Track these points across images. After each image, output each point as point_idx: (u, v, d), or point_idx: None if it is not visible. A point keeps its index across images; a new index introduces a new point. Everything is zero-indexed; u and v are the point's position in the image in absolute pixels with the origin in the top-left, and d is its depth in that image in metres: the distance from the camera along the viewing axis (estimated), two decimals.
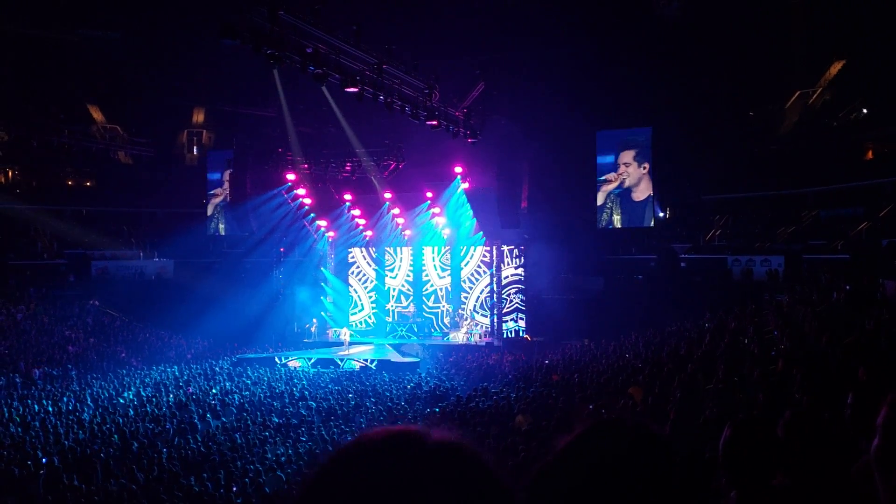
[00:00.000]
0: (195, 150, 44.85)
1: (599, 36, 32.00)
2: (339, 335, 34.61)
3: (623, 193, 33.85)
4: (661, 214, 34.51)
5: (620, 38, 32.25)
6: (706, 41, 31.71)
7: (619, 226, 33.96)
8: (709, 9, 32.18)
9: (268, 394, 22.18)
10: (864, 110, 31.75)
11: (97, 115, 43.16)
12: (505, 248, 34.56)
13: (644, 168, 33.37)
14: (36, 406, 20.67)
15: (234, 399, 21.13)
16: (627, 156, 33.66)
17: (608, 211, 34.01)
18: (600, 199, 34.04)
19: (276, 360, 29.92)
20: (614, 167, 33.95)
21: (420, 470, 1.02)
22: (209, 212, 40.71)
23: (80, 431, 16.99)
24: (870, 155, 32.24)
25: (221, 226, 40.47)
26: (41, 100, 39.16)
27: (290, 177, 35.16)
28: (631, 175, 33.58)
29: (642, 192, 33.53)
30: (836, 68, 32.90)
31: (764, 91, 34.11)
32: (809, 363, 10.87)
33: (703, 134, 33.72)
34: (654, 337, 22.59)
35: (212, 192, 40.58)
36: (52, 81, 38.95)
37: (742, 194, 34.10)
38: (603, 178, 34.10)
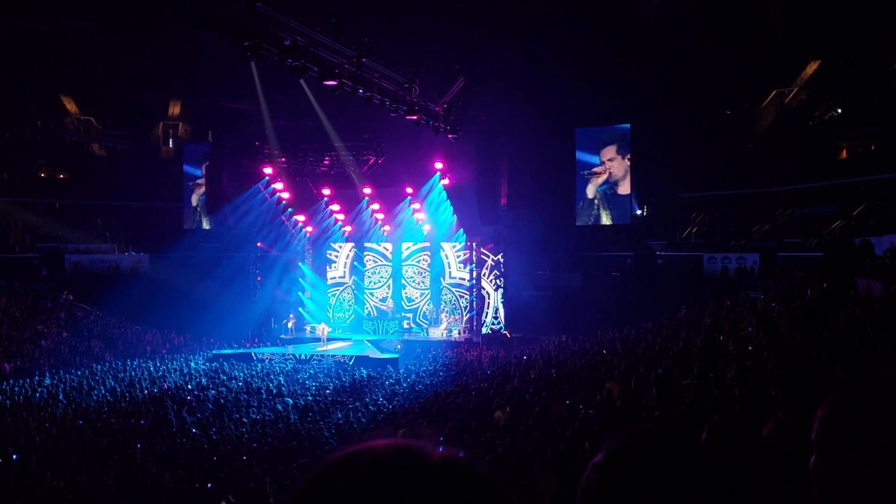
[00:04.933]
0: (171, 142, 44.39)
1: (579, 33, 32.08)
2: (317, 331, 34.46)
3: (610, 189, 33.97)
4: (639, 212, 34.73)
5: (599, 35, 32.35)
6: (684, 40, 31.91)
7: (607, 222, 34.06)
8: (687, 7, 32.36)
9: (244, 389, 22.03)
10: (839, 110, 32.15)
11: (71, 106, 42.62)
12: (483, 249, 34.54)
13: (628, 160, 33.55)
14: (7, 401, 20.38)
15: (210, 394, 20.96)
16: (610, 151, 33.76)
17: (597, 206, 34.07)
18: (590, 193, 34.09)
19: (254, 355, 29.74)
20: (599, 164, 34.05)
21: (422, 489, 0.97)
22: (193, 203, 40.29)
23: (53, 427, 16.77)
24: (844, 154, 32.67)
25: (204, 220, 40.09)
26: (13, 90, 38.56)
27: (268, 171, 34.92)
28: (616, 168, 33.68)
29: (626, 185, 33.69)
30: (811, 68, 33.27)
31: (741, 90, 34.43)
32: (784, 359, 10.98)
33: (681, 132, 33.96)
34: (631, 333, 22.73)
35: (192, 184, 40.20)
36: (25, 71, 38.32)
37: (718, 192, 34.42)
38: (592, 171, 34.12)
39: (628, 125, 33.62)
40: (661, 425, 1.41)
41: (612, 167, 33.73)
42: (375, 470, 0.98)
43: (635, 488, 1.24)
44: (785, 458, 2.50)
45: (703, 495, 1.24)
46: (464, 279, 35.48)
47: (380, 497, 0.95)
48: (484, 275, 34.59)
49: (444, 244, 35.85)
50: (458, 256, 35.63)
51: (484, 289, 34.57)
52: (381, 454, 1.01)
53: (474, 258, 34.64)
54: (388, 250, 37.12)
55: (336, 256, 38.12)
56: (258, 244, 37.30)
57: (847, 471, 1.43)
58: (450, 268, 35.87)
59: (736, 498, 1.27)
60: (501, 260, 34.16)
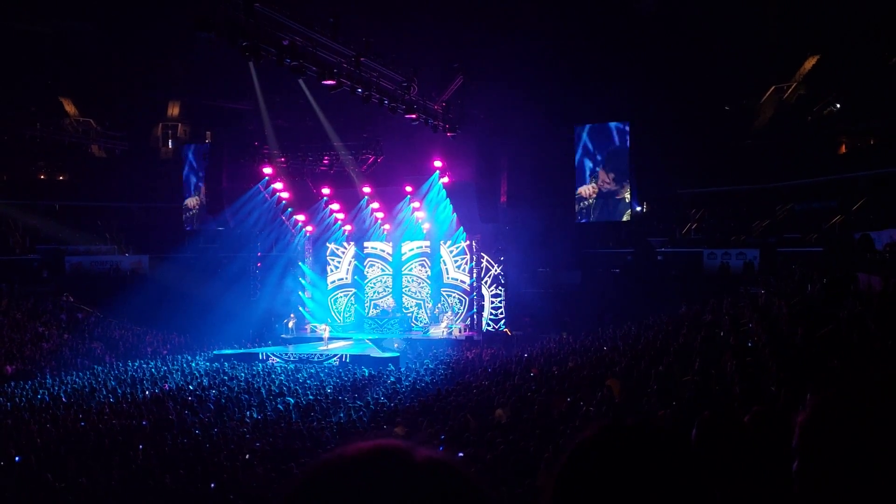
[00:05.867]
0: (170, 143, 44.38)
1: (577, 30, 32.05)
2: (318, 331, 34.47)
3: (602, 193, 34.20)
4: (638, 209, 34.71)
5: (598, 32, 32.32)
6: (682, 36, 31.89)
7: (592, 219, 34.17)
8: (685, 3, 32.33)
9: (245, 389, 22.04)
10: (838, 105, 32.11)
11: (70, 107, 42.59)
12: (484, 255, 34.50)
13: (623, 186, 33.73)
14: (9, 404, 20.40)
15: (211, 395, 20.98)
16: (608, 176, 33.93)
17: (588, 206, 34.19)
18: (585, 193, 34.21)
19: (260, 355, 29.78)
20: (594, 178, 34.14)
21: (407, 489, 0.98)
22: (188, 206, 40.31)
23: (54, 428, 16.78)
24: (843, 149, 32.63)
25: (194, 217, 40.08)
26: (12, 92, 38.51)
27: (267, 171, 34.93)
28: (606, 188, 33.95)
29: (620, 193, 33.87)
30: (810, 63, 33.21)
31: (739, 86, 34.39)
32: (784, 355, 10.98)
33: (679, 128, 33.93)
34: (631, 330, 22.73)
35: (189, 186, 40.18)
36: (24, 73, 38.29)
37: (718, 188, 34.40)
38: (578, 192, 34.28)
39: (627, 122, 33.60)
40: (637, 417, 1.43)
41: (604, 184, 33.97)
42: (360, 471, 0.99)
43: (603, 474, 1.27)
44: (764, 450, 2.51)
45: (666, 481, 1.27)
46: (458, 279, 35.54)
47: (364, 498, 0.96)
48: (485, 282, 34.43)
49: (441, 247, 35.85)
50: (455, 260, 35.67)
51: (483, 296, 34.51)
52: (366, 455, 1.02)
53: (473, 257, 34.61)
54: (388, 254, 37.08)
55: (339, 259, 38.05)
56: (258, 244, 37.32)
57: (830, 477, 1.43)
58: (448, 272, 35.90)
59: (699, 485, 1.30)
60: (502, 267, 34.04)
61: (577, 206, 34.36)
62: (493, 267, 34.42)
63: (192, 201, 40.04)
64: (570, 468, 1.31)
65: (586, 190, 34.26)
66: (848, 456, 1.41)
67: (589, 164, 34.31)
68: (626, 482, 1.26)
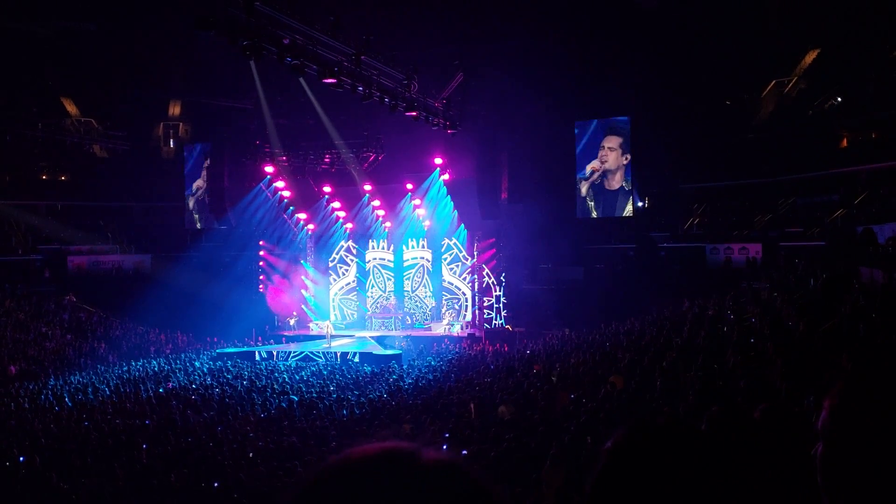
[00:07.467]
0: (172, 143, 44.38)
1: (577, 25, 32.00)
2: (321, 328, 34.53)
3: (599, 184, 33.96)
4: (640, 204, 34.66)
5: (599, 27, 32.27)
6: (683, 30, 31.83)
7: (594, 215, 34.10)
8: None
9: (249, 388, 22.05)
10: (839, 99, 32.03)
11: (71, 108, 42.59)
12: (486, 267, 34.44)
13: (626, 158, 33.40)
14: (12, 404, 20.42)
15: (215, 393, 20.99)
16: (613, 141, 33.57)
17: (589, 201, 34.11)
18: (583, 191, 34.06)
19: (262, 353, 29.80)
20: (596, 151, 33.84)
21: (414, 491, 0.97)
22: (190, 205, 40.32)
23: (58, 428, 16.80)
24: (844, 143, 32.56)
25: (196, 216, 40.10)
26: (14, 92, 38.54)
27: (269, 169, 34.93)
28: (610, 160, 33.56)
29: (617, 181, 33.61)
30: (811, 57, 33.14)
31: (740, 80, 34.32)
32: (788, 349, 10.98)
33: (681, 123, 33.88)
34: (634, 326, 22.70)
35: (191, 185, 40.19)
36: (25, 74, 38.32)
37: (719, 183, 34.33)
38: (587, 168, 34.03)
39: (628, 117, 33.53)
40: (667, 414, 1.44)
41: (607, 157, 33.57)
42: (367, 473, 0.99)
43: (640, 471, 1.28)
44: (774, 444, 2.51)
45: (703, 478, 1.27)
46: (455, 285, 35.55)
47: (371, 500, 0.96)
48: (485, 270, 34.36)
49: (442, 247, 35.84)
50: (447, 259, 35.67)
51: (486, 283, 34.46)
52: (372, 457, 1.01)
53: (477, 253, 34.54)
54: (389, 260, 37.06)
55: (348, 266, 38.02)
56: (261, 243, 37.32)
57: (856, 462, 1.43)
58: (445, 278, 35.93)
59: (734, 482, 1.30)
60: (502, 254, 33.99)
61: (582, 191, 34.07)
62: (494, 286, 34.15)
63: (197, 198, 40.08)
64: (611, 472, 1.32)
65: (593, 165, 33.95)
66: (877, 442, 1.41)
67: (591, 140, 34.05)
68: (669, 482, 1.26)
